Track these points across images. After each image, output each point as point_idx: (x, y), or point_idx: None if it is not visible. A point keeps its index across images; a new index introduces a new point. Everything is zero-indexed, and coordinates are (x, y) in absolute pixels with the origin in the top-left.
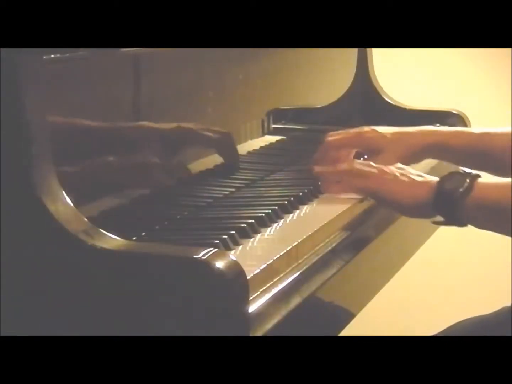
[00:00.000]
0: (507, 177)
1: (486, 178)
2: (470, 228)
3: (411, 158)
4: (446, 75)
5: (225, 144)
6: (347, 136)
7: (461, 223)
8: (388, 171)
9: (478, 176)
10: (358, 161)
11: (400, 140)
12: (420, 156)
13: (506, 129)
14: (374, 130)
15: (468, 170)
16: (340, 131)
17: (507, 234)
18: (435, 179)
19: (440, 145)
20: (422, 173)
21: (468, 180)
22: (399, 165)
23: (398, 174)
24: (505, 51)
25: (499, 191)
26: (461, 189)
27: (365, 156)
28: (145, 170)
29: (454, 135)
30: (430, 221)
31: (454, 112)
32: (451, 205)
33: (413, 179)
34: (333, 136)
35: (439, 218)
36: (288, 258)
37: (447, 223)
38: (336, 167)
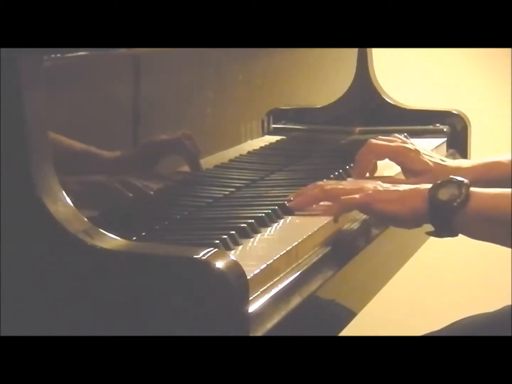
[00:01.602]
0: None
1: (477, 188)
2: None
3: None
4: (446, 75)
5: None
6: (391, 145)
7: (453, 233)
8: (369, 185)
9: (470, 185)
10: (329, 181)
11: (440, 174)
12: None
13: (493, 158)
14: (417, 151)
15: (460, 178)
16: (383, 137)
17: (500, 244)
18: (426, 187)
19: (476, 180)
20: (399, 185)
21: (463, 190)
22: (375, 181)
23: (379, 187)
24: (505, 51)
25: (494, 200)
26: (458, 200)
27: None
28: (145, 169)
29: (490, 168)
30: (425, 232)
31: (454, 112)
32: (446, 215)
33: (399, 189)
34: (377, 142)
35: (431, 228)
36: (288, 258)
37: (440, 234)
38: (313, 195)
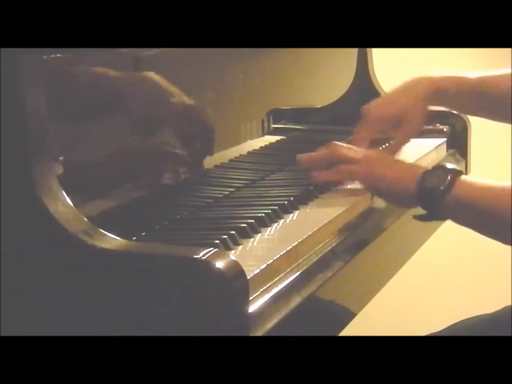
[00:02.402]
0: (505, 120)
1: (469, 176)
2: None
3: (421, 107)
4: None
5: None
6: (380, 103)
7: (441, 218)
8: (373, 155)
9: (460, 172)
10: (343, 144)
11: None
12: (425, 104)
13: (504, 71)
14: (373, 103)
15: (451, 165)
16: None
17: (484, 234)
18: (421, 169)
19: (438, 92)
20: (405, 160)
21: (449, 177)
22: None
23: (384, 160)
24: (505, 51)
25: (478, 191)
26: (442, 186)
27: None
28: (145, 169)
29: (453, 80)
30: (412, 216)
31: (454, 112)
32: (432, 201)
33: (399, 166)
34: (369, 107)
35: (420, 211)
36: (288, 258)
37: (428, 217)
38: (320, 154)
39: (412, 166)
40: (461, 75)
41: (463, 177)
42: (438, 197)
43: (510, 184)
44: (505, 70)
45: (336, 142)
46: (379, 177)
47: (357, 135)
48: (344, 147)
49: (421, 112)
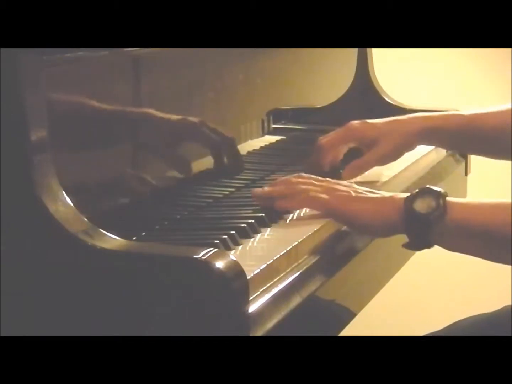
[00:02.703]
0: (501, 157)
1: (453, 198)
2: None
3: (405, 145)
4: (446, 75)
5: (229, 148)
6: (337, 134)
7: (428, 245)
8: (339, 187)
9: (446, 195)
10: (304, 174)
11: (393, 129)
12: (413, 143)
13: (496, 108)
14: (364, 122)
15: (437, 188)
16: (330, 132)
17: (476, 256)
18: (401, 197)
19: (432, 130)
20: (375, 190)
21: (441, 202)
22: (349, 183)
23: (351, 191)
24: (505, 51)
25: (468, 211)
26: (435, 212)
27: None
28: (145, 169)
29: (446, 119)
30: (401, 245)
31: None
32: (423, 227)
33: (372, 197)
34: (324, 138)
35: (405, 241)
36: (288, 258)
37: (416, 246)
38: (278, 187)
39: (387, 195)
40: (454, 113)
41: (449, 198)
42: (431, 224)
43: (502, 201)
44: (495, 108)
45: (293, 176)
46: (353, 209)
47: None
48: (303, 176)
49: (404, 146)
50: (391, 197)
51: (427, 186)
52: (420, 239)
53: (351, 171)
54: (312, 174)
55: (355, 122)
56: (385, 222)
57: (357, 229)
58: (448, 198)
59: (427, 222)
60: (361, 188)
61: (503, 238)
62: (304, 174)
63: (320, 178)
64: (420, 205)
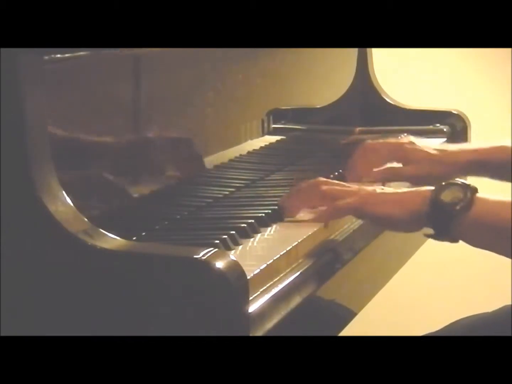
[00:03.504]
0: None
1: (484, 193)
2: None
3: (451, 176)
4: (446, 75)
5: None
6: (388, 144)
7: (454, 239)
8: (366, 187)
9: (476, 190)
10: (323, 180)
11: (441, 159)
12: (459, 174)
13: None
14: (412, 143)
15: (465, 181)
16: (379, 141)
17: (501, 254)
18: (428, 188)
19: (479, 163)
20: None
21: (468, 194)
22: (372, 183)
23: (377, 190)
24: (505, 51)
25: (497, 208)
26: (461, 203)
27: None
28: (145, 169)
29: (493, 151)
30: (423, 234)
31: (454, 112)
32: (447, 219)
33: (397, 192)
34: (372, 144)
35: (430, 231)
36: (288, 258)
37: (438, 237)
38: (306, 196)
39: (412, 189)
40: (501, 145)
41: (480, 194)
42: (455, 216)
43: None
44: (498, 142)
45: (321, 179)
46: (380, 203)
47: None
48: (330, 182)
49: (445, 176)
50: (416, 189)
51: (456, 179)
52: (444, 229)
53: (383, 173)
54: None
55: (404, 140)
56: (412, 213)
57: (385, 224)
58: (478, 194)
59: (452, 212)
60: (386, 188)
61: None
62: (324, 180)
63: (342, 183)
64: (447, 196)
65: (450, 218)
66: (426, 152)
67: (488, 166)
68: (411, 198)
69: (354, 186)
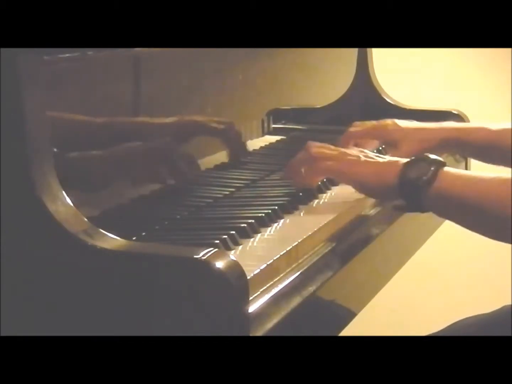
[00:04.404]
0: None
1: (451, 168)
2: None
3: (427, 152)
4: (446, 75)
5: (231, 135)
6: (367, 127)
7: (423, 210)
8: (350, 152)
9: (443, 164)
10: (316, 143)
11: (418, 134)
12: (436, 151)
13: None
14: (395, 123)
15: (434, 156)
16: (364, 122)
17: (466, 227)
18: (401, 161)
19: (457, 141)
20: (384, 156)
21: (432, 168)
22: (361, 149)
23: (361, 156)
24: (505, 51)
25: (461, 183)
26: (424, 177)
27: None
28: (145, 169)
29: (472, 131)
30: (392, 206)
31: (454, 112)
32: (414, 192)
33: (378, 161)
34: (356, 126)
35: (401, 203)
36: (288, 258)
37: (409, 209)
38: (298, 158)
39: (392, 160)
40: (480, 127)
41: (447, 168)
42: (420, 189)
43: (498, 175)
44: (481, 123)
45: (311, 142)
46: (358, 171)
47: (348, 135)
48: (319, 145)
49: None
50: (394, 161)
51: (426, 154)
52: (412, 202)
53: None
54: None
55: (387, 121)
56: (384, 184)
57: (361, 191)
58: (445, 168)
59: (416, 186)
60: (371, 153)
61: (493, 213)
62: (316, 143)
63: (332, 146)
64: (415, 171)
65: (416, 191)
66: (404, 130)
67: (464, 144)
68: (385, 171)
69: (340, 150)
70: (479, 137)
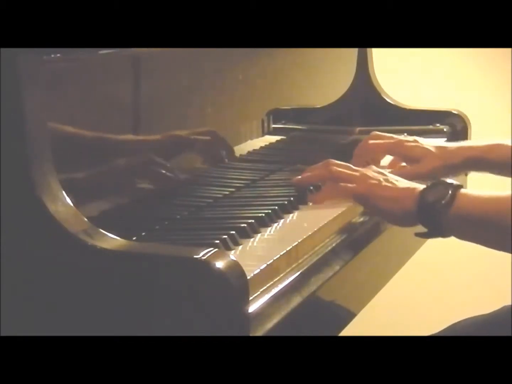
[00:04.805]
0: None
1: (469, 189)
2: None
3: (449, 172)
4: (446, 75)
5: (213, 142)
6: (391, 144)
7: (444, 235)
8: (371, 175)
9: (460, 186)
10: (336, 162)
11: (441, 152)
12: (458, 171)
13: None
14: (416, 140)
15: (450, 180)
16: (383, 134)
17: (489, 247)
18: (419, 187)
19: (479, 160)
20: (404, 179)
21: (450, 191)
22: (381, 170)
23: (382, 179)
24: (505, 51)
25: (480, 203)
26: (443, 201)
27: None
28: (145, 170)
29: (493, 149)
30: (414, 233)
31: (454, 112)
32: (433, 216)
33: (397, 187)
34: (375, 139)
35: (422, 229)
36: (288, 258)
37: (430, 234)
38: (316, 172)
39: (410, 185)
40: (498, 143)
41: (463, 190)
42: (440, 212)
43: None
44: (497, 140)
45: (333, 160)
46: (378, 196)
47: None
48: (340, 164)
49: (444, 173)
50: (410, 187)
51: (442, 179)
52: (433, 227)
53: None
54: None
55: (408, 138)
56: (403, 210)
57: (380, 216)
58: (462, 190)
59: (434, 211)
60: (390, 176)
61: (506, 228)
62: (336, 162)
63: (351, 166)
64: (433, 195)
65: (435, 216)
66: (427, 150)
67: (485, 162)
68: (404, 197)
69: (361, 171)
70: (501, 155)
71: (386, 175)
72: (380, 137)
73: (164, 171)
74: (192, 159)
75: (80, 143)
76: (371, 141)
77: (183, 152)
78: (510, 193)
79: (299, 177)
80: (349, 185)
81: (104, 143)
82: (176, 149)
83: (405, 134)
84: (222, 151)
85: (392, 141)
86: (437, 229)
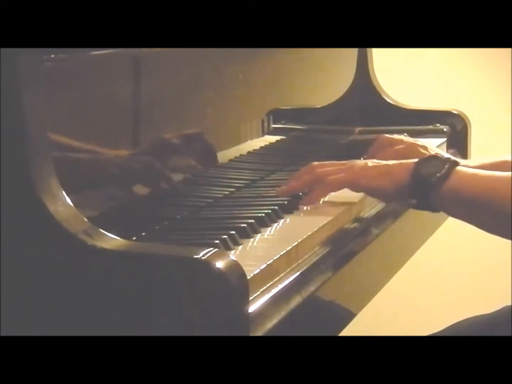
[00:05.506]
0: None
1: (465, 167)
2: (469, 228)
3: None
4: (446, 75)
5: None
6: (400, 149)
7: (434, 209)
8: (358, 162)
9: (457, 163)
10: (321, 162)
11: None
12: None
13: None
14: (426, 147)
15: (447, 155)
16: (392, 137)
17: (478, 227)
18: (412, 161)
19: None
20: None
21: (446, 166)
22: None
23: (369, 163)
24: (505, 51)
25: (475, 181)
26: (437, 175)
27: None
28: (145, 170)
29: (501, 166)
30: (404, 203)
31: (454, 112)
32: (426, 189)
33: (388, 164)
34: (385, 143)
35: (413, 201)
36: (288, 258)
37: (419, 207)
38: (301, 180)
39: (401, 161)
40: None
41: (460, 167)
42: (432, 186)
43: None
44: (502, 157)
45: (315, 163)
46: (368, 175)
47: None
48: (323, 164)
49: None
50: (404, 162)
51: (439, 152)
52: (424, 200)
53: None
54: None
55: (418, 142)
56: (398, 184)
57: (374, 195)
58: (459, 167)
59: (429, 184)
60: (378, 160)
61: (505, 211)
62: (319, 163)
63: (334, 162)
64: (427, 168)
65: (428, 189)
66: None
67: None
68: (397, 171)
69: (347, 163)
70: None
71: (374, 161)
72: (392, 142)
73: (164, 171)
74: (184, 161)
75: (80, 143)
76: (387, 135)
77: (172, 156)
78: (506, 173)
79: (284, 187)
80: (338, 175)
81: (104, 143)
82: (167, 153)
83: (405, 134)
84: (205, 156)
85: (402, 148)
86: (427, 203)
